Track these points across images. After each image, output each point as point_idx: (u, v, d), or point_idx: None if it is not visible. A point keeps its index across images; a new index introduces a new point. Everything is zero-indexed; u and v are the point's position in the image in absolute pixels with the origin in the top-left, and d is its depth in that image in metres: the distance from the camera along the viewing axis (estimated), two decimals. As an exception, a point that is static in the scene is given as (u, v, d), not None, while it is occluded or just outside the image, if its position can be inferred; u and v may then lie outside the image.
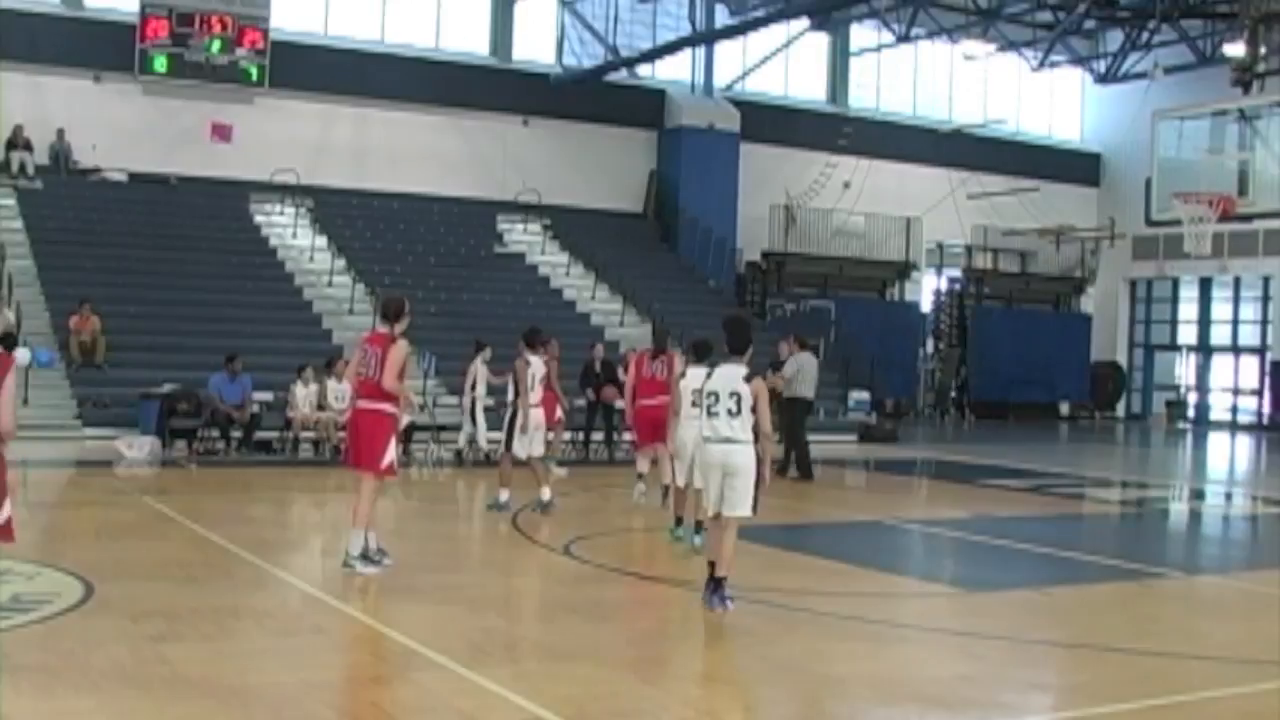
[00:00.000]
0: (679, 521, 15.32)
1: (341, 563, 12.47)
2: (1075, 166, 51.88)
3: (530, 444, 17.17)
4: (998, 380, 45.63)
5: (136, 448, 22.98)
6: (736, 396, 11.12)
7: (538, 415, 17.24)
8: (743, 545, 15.12)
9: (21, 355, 26.62)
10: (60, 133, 35.78)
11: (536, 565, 14.04)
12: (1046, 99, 51.90)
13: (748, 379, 11.20)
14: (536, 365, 17.31)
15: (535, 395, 17.15)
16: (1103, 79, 48.32)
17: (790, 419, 22.71)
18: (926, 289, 48.78)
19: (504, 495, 17.22)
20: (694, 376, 13.36)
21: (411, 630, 10.04)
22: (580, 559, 13.85)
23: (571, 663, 9.66)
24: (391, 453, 12.48)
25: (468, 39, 41.68)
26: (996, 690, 9.41)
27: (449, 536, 16.60)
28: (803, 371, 23.24)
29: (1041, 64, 47.06)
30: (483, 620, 10.82)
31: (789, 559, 14.35)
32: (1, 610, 10.24)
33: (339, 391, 24.13)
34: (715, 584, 11.17)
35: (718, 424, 11.17)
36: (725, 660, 10.04)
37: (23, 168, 34.73)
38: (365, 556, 12.43)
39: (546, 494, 17.05)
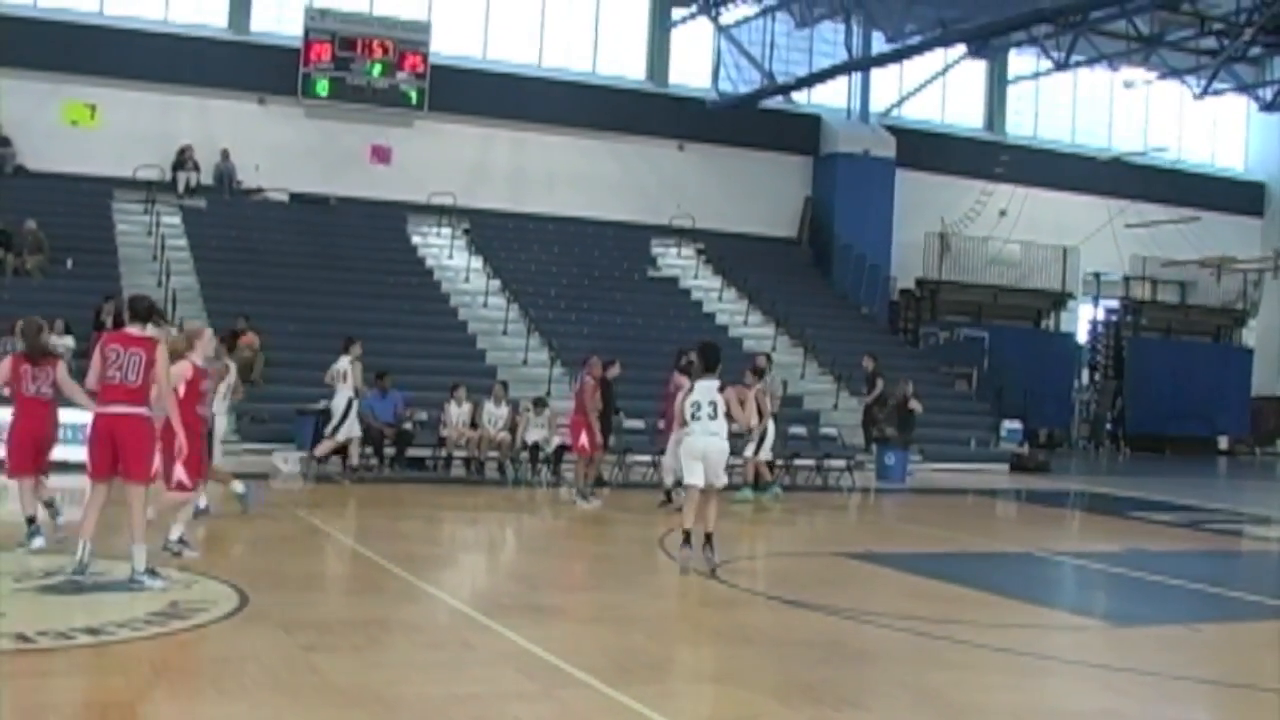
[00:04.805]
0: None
1: (142, 572, 11.67)
2: (1238, 196, 50.94)
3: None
4: (1154, 413, 44.92)
5: (292, 462, 23.37)
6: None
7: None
8: (888, 572, 15.23)
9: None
10: (225, 154, 36.61)
11: (682, 587, 14.07)
12: (1209, 127, 51.07)
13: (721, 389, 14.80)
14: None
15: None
16: (1268, 107, 47.47)
17: None
18: (1082, 319, 48.21)
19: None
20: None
21: (557, 648, 10.12)
22: (726, 583, 13.87)
23: (716, 685, 9.71)
24: (157, 459, 12.08)
25: (625, 64, 42.00)
26: (1142, 726, 9.32)
27: (596, 556, 16.70)
28: None
29: (1204, 91, 46.29)
30: (628, 640, 10.89)
31: (935, 588, 14.26)
32: (160, 616, 10.53)
33: (494, 416, 24.44)
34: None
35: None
36: (868, 686, 10.01)
37: (189, 187, 35.56)
38: (152, 571, 11.70)
39: (239, 486, 17.16)
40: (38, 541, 13.35)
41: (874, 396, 30.17)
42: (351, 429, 22.95)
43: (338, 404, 22.93)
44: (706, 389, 14.83)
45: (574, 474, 21.76)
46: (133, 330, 11.90)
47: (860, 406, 30.78)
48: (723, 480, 14.90)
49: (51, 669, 9.13)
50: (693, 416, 14.73)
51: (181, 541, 13.28)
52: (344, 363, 22.98)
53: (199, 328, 13.62)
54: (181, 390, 12.74)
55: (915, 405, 29.64)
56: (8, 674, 8.81)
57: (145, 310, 12.02)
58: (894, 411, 29.84)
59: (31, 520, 13.54)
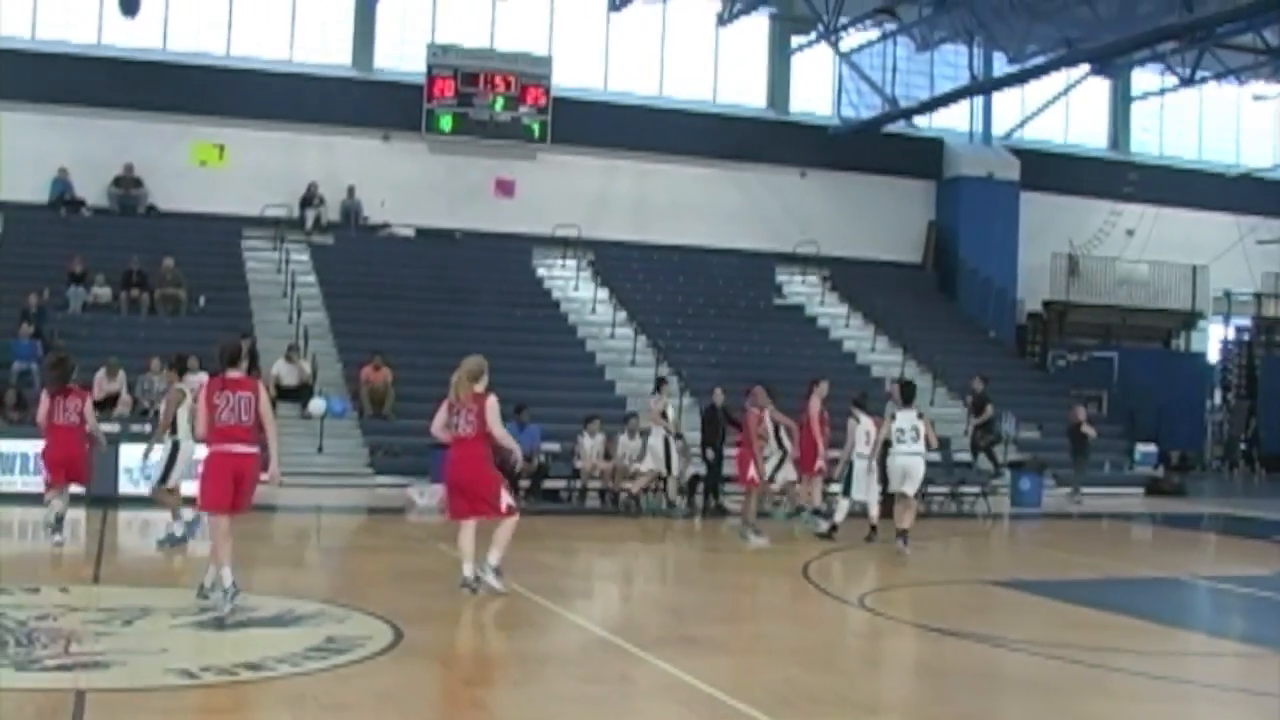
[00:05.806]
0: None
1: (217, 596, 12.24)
2: (1373, 209, 49.88)
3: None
4: (1290, 433, 44.07)
5: (427, 496, 23.43)
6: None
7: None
8: (1036, 599, 15.07)
9: (316, 405, 27.53)
10: (351, 190, 37.03)
11: (832, 617, 14.01)
12: (1340, 140, 50.09)
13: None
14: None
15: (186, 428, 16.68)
16: (1401, 117, 46.61)
17: None
18: (1214, 338, 47.44)
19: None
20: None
21: (715, 680, 10.06)
22: (876, 611, 13.78)
23: (875, 715, 9.64)
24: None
25: (745, 92, 41.96)
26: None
27: (744, 587, 16.64)
28: None
29: (1335, 103, 45.52)
30: (784, 671, 10.83)
31: (1088, 615, 14.08)
32: (318, 651, 10.62)
33: (631, 449, 24.38)
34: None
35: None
36: (1028, 716, 9.90)
37: (316, 224, 35.99)
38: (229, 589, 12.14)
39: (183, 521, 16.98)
40: (57, 537, 16.45)
41: (981, 420, 29.71)
42: (662, 466, 23.83)
43: (655, 443, 23.83)
44: (908, 417, 18.93)
45: (741, 507, 21.09)
46: (230, 374, 12.49)
47: (968, 430, 30.23)
48: (916, 489, 19.10)
49: (219, 705, 9.22)
50: (898, 440, 18.78)
51: (497, 571, 13.78)
52: (659, 403, 24.43)
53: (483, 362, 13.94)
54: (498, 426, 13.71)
55: (1089, 430, 29.49)
56: (178, 709, 8.92)
57: (234, 353, 12.67)
58: (996, 431, 29.84)
59: (60, 519, 16.56)
